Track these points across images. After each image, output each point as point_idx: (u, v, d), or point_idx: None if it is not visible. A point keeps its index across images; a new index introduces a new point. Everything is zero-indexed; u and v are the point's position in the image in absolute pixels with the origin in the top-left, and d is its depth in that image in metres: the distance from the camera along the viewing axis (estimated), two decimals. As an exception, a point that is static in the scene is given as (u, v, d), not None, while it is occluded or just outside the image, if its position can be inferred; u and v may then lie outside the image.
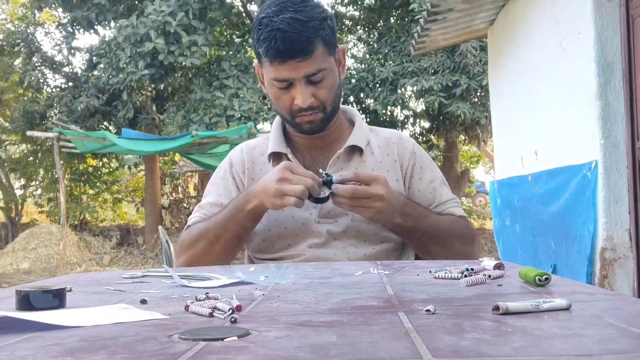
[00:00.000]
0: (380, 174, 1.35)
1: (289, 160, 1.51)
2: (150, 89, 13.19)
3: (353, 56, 12.96)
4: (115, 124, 12.82)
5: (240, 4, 13.83)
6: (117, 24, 11.29)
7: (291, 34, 1.32)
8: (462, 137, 14.17)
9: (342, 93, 1.56)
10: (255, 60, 1.51)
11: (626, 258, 3.32)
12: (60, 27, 14.01)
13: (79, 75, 13.41)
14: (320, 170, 1.35)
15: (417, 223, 1.40)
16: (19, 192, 16.57)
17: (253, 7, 13.99)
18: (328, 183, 1.31)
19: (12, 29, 14.36)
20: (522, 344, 0.51)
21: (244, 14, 14.15)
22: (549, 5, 4.09)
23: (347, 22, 13.92)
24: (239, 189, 1.56)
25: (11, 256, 11.99)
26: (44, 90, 14.06)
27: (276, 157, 1.54)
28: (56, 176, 11.86)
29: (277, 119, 1.62)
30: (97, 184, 16.19)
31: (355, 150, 1.54)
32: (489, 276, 0.92)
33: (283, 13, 1.33)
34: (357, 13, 14.24)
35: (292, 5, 1.35)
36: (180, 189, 16.49)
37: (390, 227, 1.43)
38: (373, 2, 13.58)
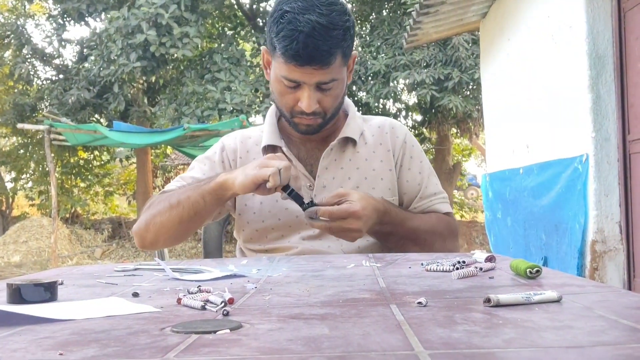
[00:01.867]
0: (356, 196, 1.31)
1: (284, 153, 1.51)
2: (141, 81, 13.11)
3: (345, 49, 12.86)
4: (107, 117, 12.75)
5: (232, -4, 13.76)
6: (108, 16, 11.21)
7: (314, 40, 1.28)
8: (454, 130, 14.19)
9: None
10: (263, 46, 1.47)
11: (616, 250, 3.34)
12: (50, 19, 13.89)
13: (70, 67, 13.31)
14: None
15: (396, 229, 1.41)
16: (9, 185, 16.47)
17: (245, 0, 13.93)
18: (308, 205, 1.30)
19: (2, 20, 14.23)
20: (513, 336, 0.52)
21: (235, 7, 14.08)
22: (541, -1, 4.10)
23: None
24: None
25: (2, 249, 11.93)
26: (34, 83, 13.96)
27: (270, 149, 1.53)
28: (47, 169, 11.80)
29: (271, 110, 1.60)
30: (89, 176, 16.11)
31: (349, 141, 1.53)
32: (481, 269, 0.93)
33: (309, 13, 1.28)
34: (349, 5, 14.22)
35: (319, 6, 1.29)
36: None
37: (367, 233, 1.43)
38: (365, -6, 13.54)
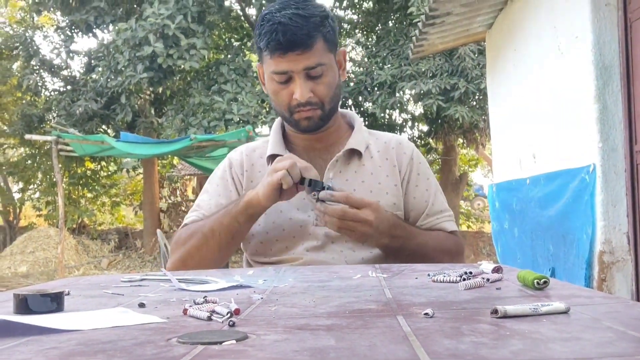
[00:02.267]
0: (373, 200, 1.37)
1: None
2: (148, 92, 13.19)
3: (351, 60, 12.96)
4: (114, 128, 12.82)
5: (238, 7, 13.84)
6: (116, 27, 11.29)
7: (292, 27, 1.35)
8: (460, 140, 14.17)
9: (342, 96, 1.56)
10: (257, 63, 1.53)
11: (624, 261, 3.32)
12: (58, 31, 14.01)
13: (78, 78, 13.41)
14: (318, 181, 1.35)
15: (405, 243, 1.42)
16: (17, 196, 16.55)
17: (252, 11, 14.00)
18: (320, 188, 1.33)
19: (11, 32, 14.37)
20: (521, 348, 0.51)
21: (242, 18, 14.16)
22: (547, 9, 4.10)
23: (345, 25, 13.95)
24: (237, 190, 1.56)
25: (9, 259, 11.97)
26: (42, 94, 14.06)
27: (275, 159, 1.54)
28: (54, 179, 11.85)
29: (277, 121, 1.61)
30: (96, 187, 16.19)
31: (354, 153, 1.53)
32: (488, 279, 0.92)
33: (285, 9, 1.37)
34: (355, 17, 14.27)
35: (294, 3, 1.39)
36: (178, 192, 16.48)
37: (376, 246, 1.43)
38: (371, 5, 13.60)
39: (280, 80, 1.41)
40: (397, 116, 13.21)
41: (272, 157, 1.54)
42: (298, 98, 1.40)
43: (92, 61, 12.71)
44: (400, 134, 12.67)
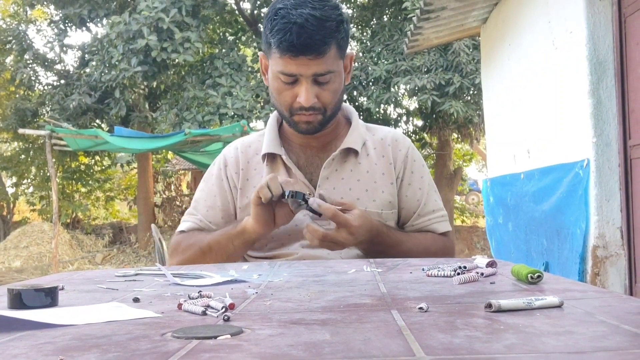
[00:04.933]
0: (358, 213, 1.33)
1: (283, 161, 1.51)
2: (142, 86, 13.14)
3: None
4: (108, 122, 12.77)
5: (233, 1, 13.79)
6: (110, 21, 11.23)
7: (308, 30, 1.30)
8: (455, 135, 14.18)
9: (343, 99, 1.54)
10: (260, 52, 1.49)
11: (618, 256, 3.34)
12: (52, 25, 13.92)
13: (71, 72, 13.34)
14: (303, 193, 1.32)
15: (387, 249, 1.41)
16: (10, 190, 16.48)
17: (246, 5, 13.96)
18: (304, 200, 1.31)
19: (4, 26, 14.26)
20: (515, 342, 0.51)
21: (236, 12, 14.11)
22: (541, 4, 4.10)
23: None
24: (231, 190, 1.55)
25: (3, 254, 11.93)
26: (35, 88, 13.99)
27: (270, 158, 1.53)
28: (48, 174, 11.81)
29: (273, 116, 1.59)
30: (90, 182, 16.13)
31: (351, 152, 1.52)
32: (482, 274, 0.93)
33: (302, 8, 1.31)
34: (350, 11, 14.25)
35: (311, 2, 1.33)
36: (173, 186, 16.45)
37: (357, 248, 1.44)
38: (366, 0, 13.58)
39: (287, 81, 1.38)
40: (391, 111, 13.19)
41: (267, 156, 1.52)
42: (303, 103, 1.37)
43: (86, 55, 12.63)
44: (395, 129, 12.66)
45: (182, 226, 1.56)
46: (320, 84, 1.38)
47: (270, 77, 1.44)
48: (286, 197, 1.29)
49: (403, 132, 13.28)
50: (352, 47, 13.83)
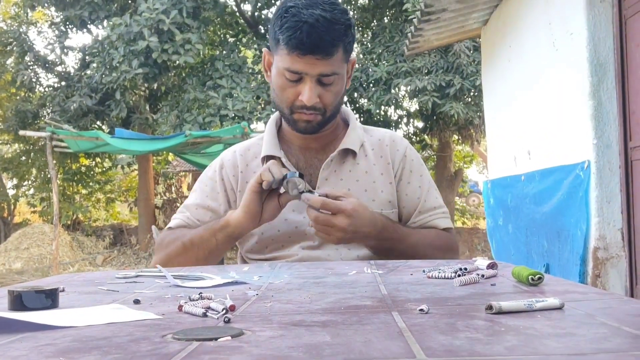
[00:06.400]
0: (353, 200, 1.32)
1: (282, 163, 1.51)
2: (143, 88, 13.15)
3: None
4: (109, 124, 12.77)
5: (233, 3, 13.81)
6: (111, 23, 11.24)
7: (318, 30, 1.32)
8: (455, 137, 14.19)
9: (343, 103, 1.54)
10: (265, 49, 1.50)
11: (618, 257, 3.33)
12: (53, 26, 13.94)
13: (72, 74, 13.34)
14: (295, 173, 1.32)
15: (394, 245, 1.41)
16: (11, 192, 16.49)
17: (247, 7, 13.97)
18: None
19: (5, 28, 14.28)
20: (515, 343, 0.51)
21: (237, 14, 14.12)
22: (542, 6, 4.11)
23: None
24: (226, 192, 1.55)
25: (3, 256, 11.93)
26: (36, 90, 14.00)
27: (269, 160, 1.53)
28: (49, 176, 11.81)
29: (272, 118, 1.59)
30: (90, 183, 16.14)
31: (349, 152, 1.52)
32: (482, 276, 0.93)
33: (313, 8, 1.33)
34: (350, 13, 14.24)
35: (322, 3, 1.34)
36: (173, 188, 16.45)
37: (364, 246, 1.43)
38: (367, 2, 13.58)
39: (291, 78, 1.39)
40: (392, 113, 13.20)
41: (267, 159, 1.52)
42: (305, 101, 1.38)
43: (87, 57, 12.64)
44: (395, 131, 12.70)
45: (171, 223, 1.57)
46: (324, 85, 1.39)
47: (274, 74, 1.44)
48: (287, 178, 1.29)
49: (403, 134, 13.24)
50: (353, 49, 13.83)
